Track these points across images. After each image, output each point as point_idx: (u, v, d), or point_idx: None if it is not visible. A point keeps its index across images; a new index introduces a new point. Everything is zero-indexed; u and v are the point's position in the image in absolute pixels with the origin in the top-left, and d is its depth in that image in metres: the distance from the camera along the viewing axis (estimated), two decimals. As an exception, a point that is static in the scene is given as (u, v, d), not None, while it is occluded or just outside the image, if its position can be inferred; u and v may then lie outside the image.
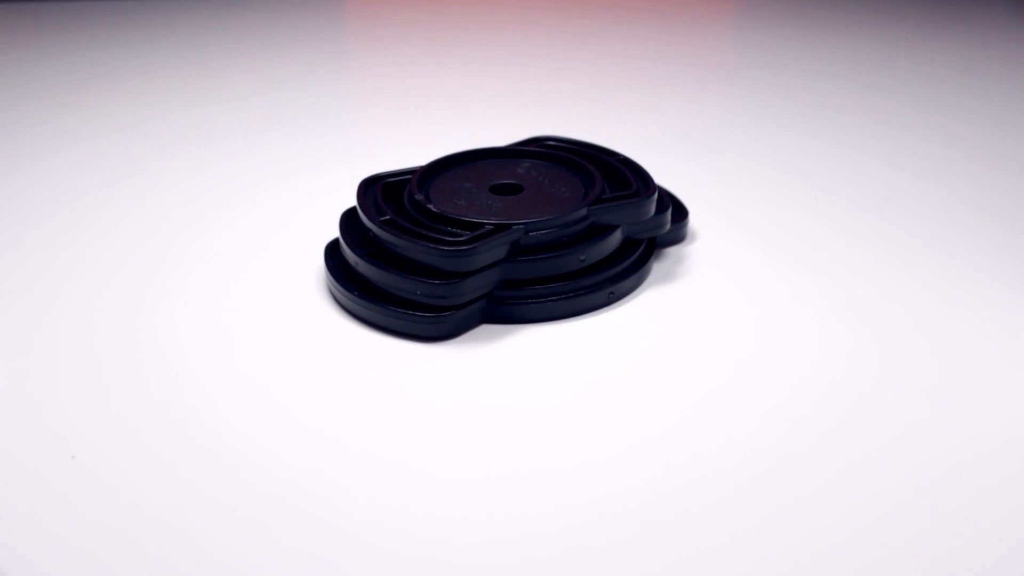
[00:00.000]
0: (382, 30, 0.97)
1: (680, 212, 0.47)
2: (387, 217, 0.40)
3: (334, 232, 0.43)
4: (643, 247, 0.43)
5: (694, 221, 0.48)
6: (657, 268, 0.44)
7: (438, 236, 0.38)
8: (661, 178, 0.49)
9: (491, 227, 0.39)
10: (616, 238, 0.42)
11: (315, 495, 0.30)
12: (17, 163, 0.60)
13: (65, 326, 0.40)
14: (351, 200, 0.43)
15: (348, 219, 0.42)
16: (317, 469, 0.31)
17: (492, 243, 0.38)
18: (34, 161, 0.60)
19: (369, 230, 0.40)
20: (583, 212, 0.40)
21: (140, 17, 1.01)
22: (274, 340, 0.39)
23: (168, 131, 0.65)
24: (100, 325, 0.40)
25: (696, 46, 0.90)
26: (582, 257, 0.40)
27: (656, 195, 0.42)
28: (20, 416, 0.34)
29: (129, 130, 0.65)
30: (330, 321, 0.40)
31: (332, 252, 0.43)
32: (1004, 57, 0.83)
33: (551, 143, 0.49)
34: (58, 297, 0.42)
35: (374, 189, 0.43)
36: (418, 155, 0.49)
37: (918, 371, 0.36)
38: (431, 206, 0.41)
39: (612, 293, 0.41)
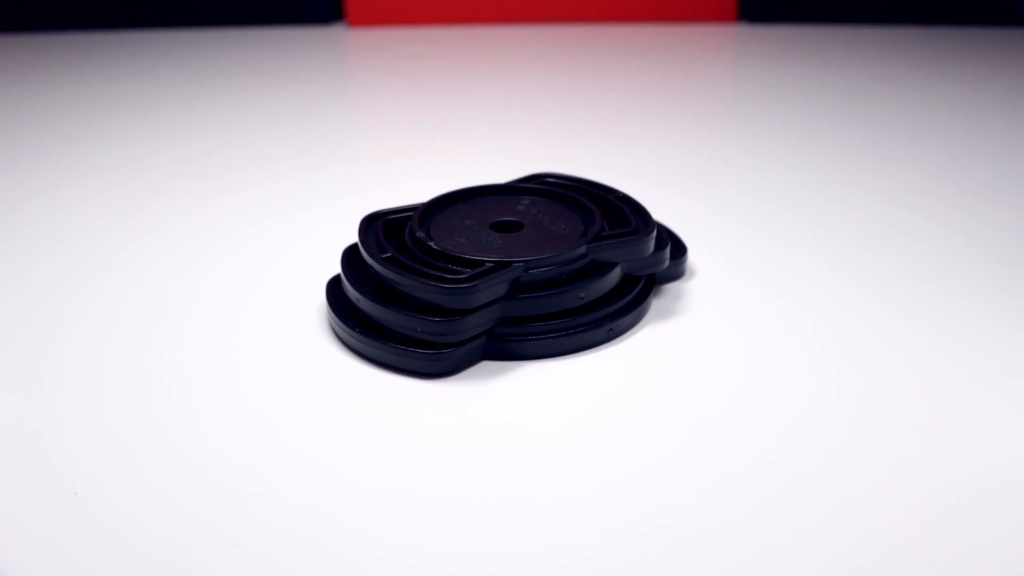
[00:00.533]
0: (383, 63, 0.98)
1: (679, 248, 0.47)
2: (388, 254, 0.41)
3: (336, 267, 0.43)
4: (642, 284, 0.43)
5: (693, 257, 0.49)
6: (656, 304, 0.45)
7: (439, 273, 0.39)
8: (659, 213, 0.49)
9: (491, 264, 0.39)
10: (615, 275, 0.42)
11: (317, 529, 0.30)
12: (20, 197, 0.60)
13: (69, 361, 0.40)
14: (352, 234, 0.44)
15: (350, 255, 0.43)
16: (319, 504, 0.32)
17: (492, 280, 0.38)
18: (37, 195, 0.60)
19: (370, 267, 0.41)
20: (582, 250, 0.41)
21: (141, 51, 1.02)
22: (275, 376, 0.39)
23: (170, 165, 0.66)
24: (104, 360, 0.40)
25: (694, 80, 0.91)
26: (581, 294, 0.41)
27: (655, 232, 0.43)
28: (23, 452, 0.34)
29: (132, 164, 0.66)
30: (331, 357, 0.40)
31: (334, 288, 0.43)
32: (1002, 92, 0.83)
33: (551, 180, 0.49)
34: (61, 331, 0.43)
35: (376, 226, 0.43)
36: (419, 188, 0.49)
37: (914, 408, 0.37)
38: (432, 243, 0.41)
39: (611, 330, 0.41)
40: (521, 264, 0.39)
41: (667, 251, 0.44)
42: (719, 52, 1.03)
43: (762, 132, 0.73)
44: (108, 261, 0.50)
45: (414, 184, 0.61)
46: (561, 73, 0.93)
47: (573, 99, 0.83)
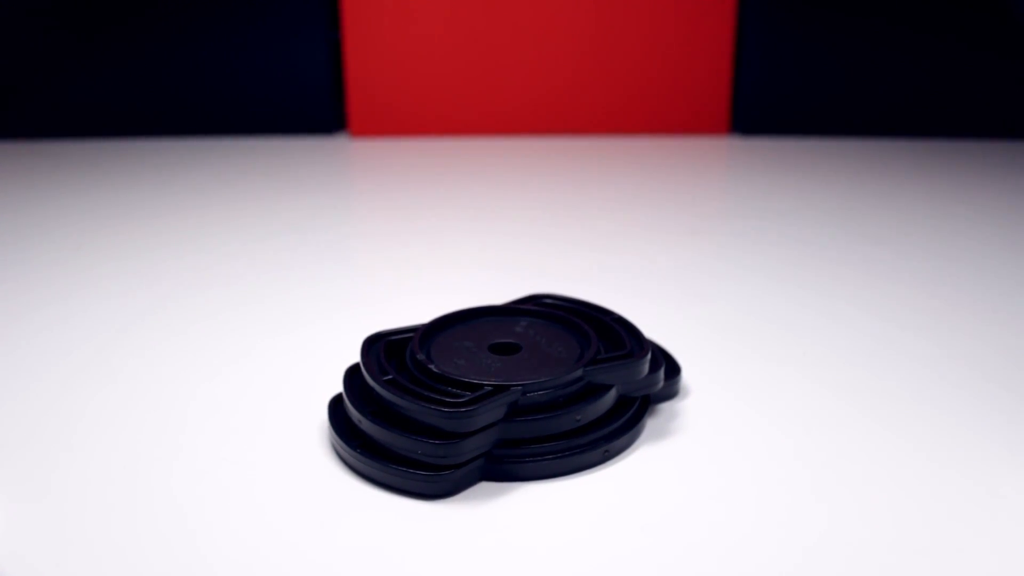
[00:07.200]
0: (384, 173, 1.00)
1: (673, 368, 0.48)
2: (390, 376, 0.42)
3: (338, 385, 0.44)
4: (637, 405, 0.44)
5: (686, 375, 0.50)
6: (651, 425, 0.45)
7: (439, 397, 0.40)
8: (653, 330, 0.50)
9: (490, 388, 0.40)
10: (610, 397, 0.43)
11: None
12: (27, 307, 0.61)
13: (74, 478, 0.41)
14: (354, 349, 0.45)
15: (351, 376, 0.44)
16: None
17: (491, 404, 0.39)
18: (44, 305, 0.62)
19: (372, 389, 0.42)
20: (579, 373, 0.42)
21: (150, 159, 1.05)
22: (277, 495, 0.40)
23: (176, 276, 0.68)
24: (111, 478, 0.41)
25: (688, 193, 0.93)
26: (577, 417, 0.41)
27: (649, 355, 0.44)
28: (28, 570, 0.35)
29: (138, 275, 0.68)
30: (332, 476, 0.41)
31: (335, 407, 0.44)
32: (991, 205, 0.86)
33: (548, 300, 0.51)
34: (69, 446, 0.43)
35: (377, 347, 0.44)
36: (420, 303, 0.51)
37: (907, 530, 0.37)
38: (432, 366, 0.42)
39: (607, 451, 0.42)
40: (519, 388, 0.40)
41: (661, 373, 0.45)
42: (712, 165, 1.06)
43: (754, 247, 0.75)
44: (114, 374, 0.51)
45: (415, 298, 0.63)
46: (558, 185, 0.95)
47: (569, 211, 0.86)
